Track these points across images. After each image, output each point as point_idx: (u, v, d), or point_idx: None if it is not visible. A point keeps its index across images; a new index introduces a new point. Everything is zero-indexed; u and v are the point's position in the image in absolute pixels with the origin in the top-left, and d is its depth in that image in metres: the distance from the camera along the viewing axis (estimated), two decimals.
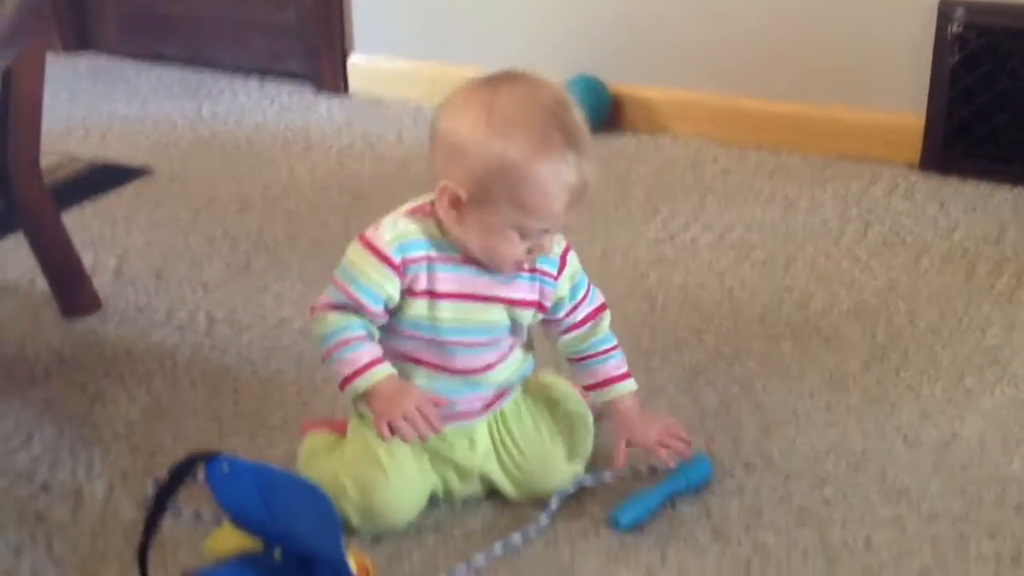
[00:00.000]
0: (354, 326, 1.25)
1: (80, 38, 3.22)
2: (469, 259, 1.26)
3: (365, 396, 1.25)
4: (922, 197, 2.21)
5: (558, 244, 1.31)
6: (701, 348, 1.71)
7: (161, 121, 2.72)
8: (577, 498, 1.37)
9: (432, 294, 1.25)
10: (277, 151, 2.52)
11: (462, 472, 1.35)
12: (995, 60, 2.20)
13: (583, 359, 1.38)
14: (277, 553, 1.21)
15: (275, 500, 1.20)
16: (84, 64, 3.15)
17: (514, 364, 1.35)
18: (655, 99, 2.55)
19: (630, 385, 1.38)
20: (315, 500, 1.21)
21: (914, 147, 2.32)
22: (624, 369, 1.38)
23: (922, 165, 2.32)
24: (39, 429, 1.53)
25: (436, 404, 1.25)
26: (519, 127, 1.16)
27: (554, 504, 1.34)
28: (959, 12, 2.20)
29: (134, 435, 1.51)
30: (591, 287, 1.37)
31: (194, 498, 1.35)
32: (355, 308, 1.25)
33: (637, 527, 1.32)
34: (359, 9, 2.82)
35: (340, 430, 1.40)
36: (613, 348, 1.38)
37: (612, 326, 1.39)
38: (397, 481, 1.29)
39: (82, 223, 2.15)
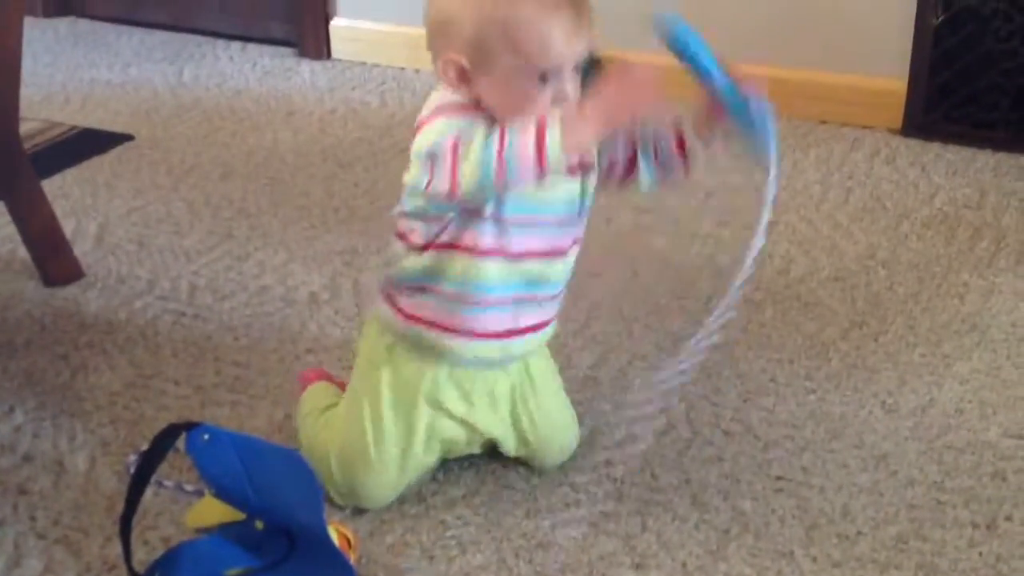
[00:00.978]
0: (493, 131, 1.15)
1: (61, 2, 3.19)
2: None
3: (576, 139, 1.15)
4: (903, 162, 2.21)
5: None
6: (681, 314, 1.72)
7: (143, 86, 2.70)
8: (555, 469, 1.38)
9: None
10: (260, 117, 2.51)
11: (472, 431, 1.33)
12: (979, 21, 2.19)
13: (656, 159, 1.31)
14: (259, 523, 1.22)
15: (257, 470, 1.21)
16: (64, 28, 3.12)
17: (570, 266, 1.31)
18: (641, 63, 2.53)
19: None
20: (297, 470, 1.22)
21: (897, 111, 2.32)
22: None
23: (904, 130, 2.32)
24: (20, 400, 1.53)
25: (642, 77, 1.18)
26: None
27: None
28: None
29: (116, 406, 1.51)
30: None
31: (176, 469, 1.36)
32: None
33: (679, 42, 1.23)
34: None
35: (341, 386, 1.41)
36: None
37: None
38: (380, 471, 1.29)
39: (63, 190, 2.14)
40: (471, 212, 1.22)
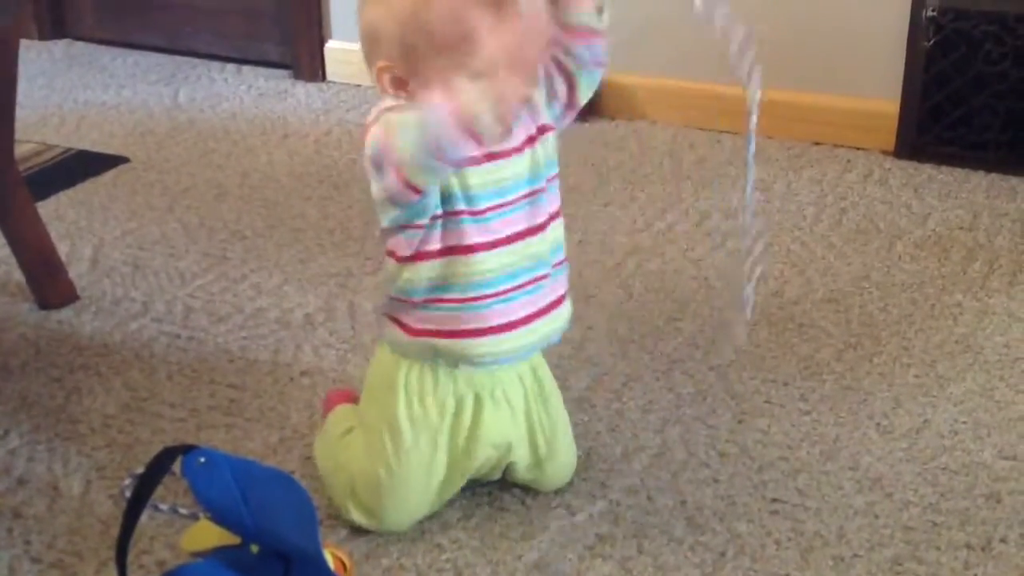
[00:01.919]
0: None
1: (56, 24, 3.19)
2: None
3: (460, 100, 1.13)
4: (896, 183, 2.22)
5: None
6: (677, 336, 1.72)
7: (138, 108, 2.70)
8: (553, 490, 1.38)
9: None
10: (254, 138, 2.51)
11: (492, 447, 1.32)
12: (970, 44, 2.21)
13: (574, 38, 1.29)
14: (254, 547, 1.21)
15: (252, 493, 1.20)
16: (60, 50, 3.13)
17: (560, 235, 1.33)
18: (632, 85, 2.55)
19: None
20: (292, 493, 1.22)
21: (889, 133, 2.33)
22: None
23: (897, 151, 2.33)
24: (15, 423, 1.53)
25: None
26: None
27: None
28: None
29: (111, 429, 1.51)
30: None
31: (171, 492, 1.36)
32: None
33: None
34: None
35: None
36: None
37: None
38: (403, 495, 1.29)
39: (58, 212, 2.15)
40: (448, 213, 1.23)
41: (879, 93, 2.34)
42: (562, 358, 1.64)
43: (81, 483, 1.41)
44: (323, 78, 2.86)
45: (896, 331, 1.72)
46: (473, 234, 1.24)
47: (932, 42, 2.23)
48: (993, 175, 2.23)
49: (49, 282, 1.83)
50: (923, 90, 2.27)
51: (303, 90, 2.80)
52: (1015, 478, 1.40)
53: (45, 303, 1.81)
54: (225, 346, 1.71)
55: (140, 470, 1.31)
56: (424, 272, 1.25)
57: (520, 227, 1.27)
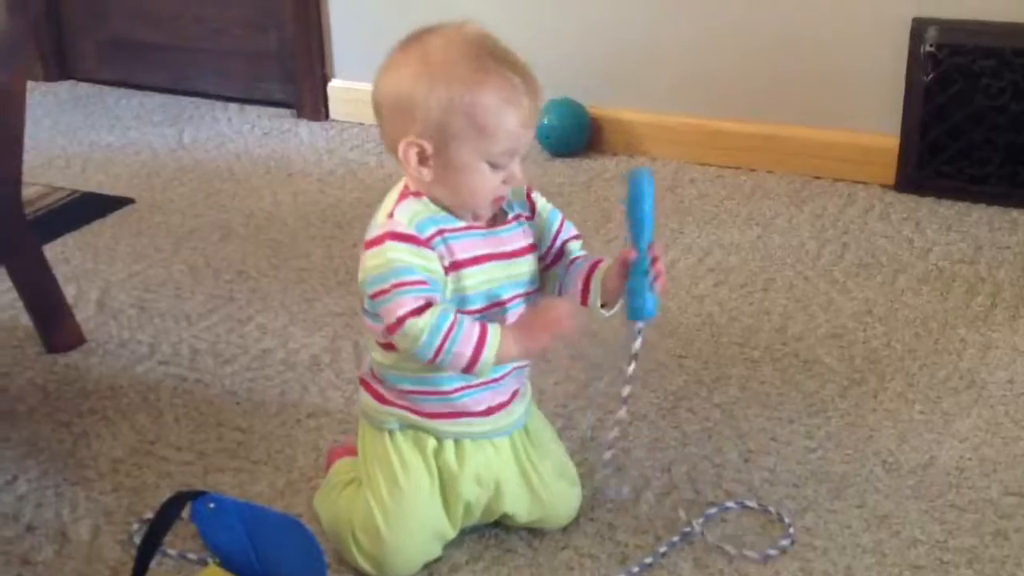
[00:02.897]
0: (444, 316, 1.21)
1: (60, 66, 3.22)
2: (471, 225, 1.27)
3: (503, 357, 1.24)
4: (898, 217, 2.23)
5: (519, 188, 1.31)
6: (682, 374, 1.73)
7: (142, 149, 2.72)
8: (559, 531, 1.38)
9: (456, 265, 1.25)
10: (259, 178, 2.53)
11: (479, 483, 1.33)
12: (968, 78, 2.22)
13: (567, 273, 1.36)
14: None
15: (261, 538, 1.21)
16: (64, 92, 3.15)
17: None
18: (633, 121, 2.57)
19: (607, 260, 1.35)
20: (300, 538, 1.22)
21: (889, 167, 2.35)
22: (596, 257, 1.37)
23: (897, 185, 2.34)
24: (23, 469, 1.53)
25: (558, 312, 1.26)
26: (456, 63, 1.21)
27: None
28: (932, 31, 2.23)
29: (118, 473, 1.52)
30: (564, 218, 1.37)
31: (179, 537, 1.36)
32: (427, 297, 1.22)
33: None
34: (339, 35, 2.83)
35: None
36: (579, 256, 1.37)
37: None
38: (402, 539, 1.30)
39: (64, 255, 2.16)
40: None
41: (879, 128, 2.36)
42: (568, 397, 1.65)
43: (89, 529, 1.41)
44: (326, 117, 2.88)
45: (900, 367, 1.73)
46: None
47: (931, 77, 2.25)
48: (994, 208, 2.25)
49: (56, 326, 1.83)
50: (923, 124, 2.28)
51: (307, 129, 2.82)
52: (1022, 515, 1.40)
53: (52, 347, 1.82)
54: (231, 388, 1.72)
55: (149, 515, 1.32)
56: (392, 359, 1.29)
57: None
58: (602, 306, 1.32)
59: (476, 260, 1.26)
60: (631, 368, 1.32)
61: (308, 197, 2.42)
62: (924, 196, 2.30)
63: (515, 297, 1.30)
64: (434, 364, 1.23)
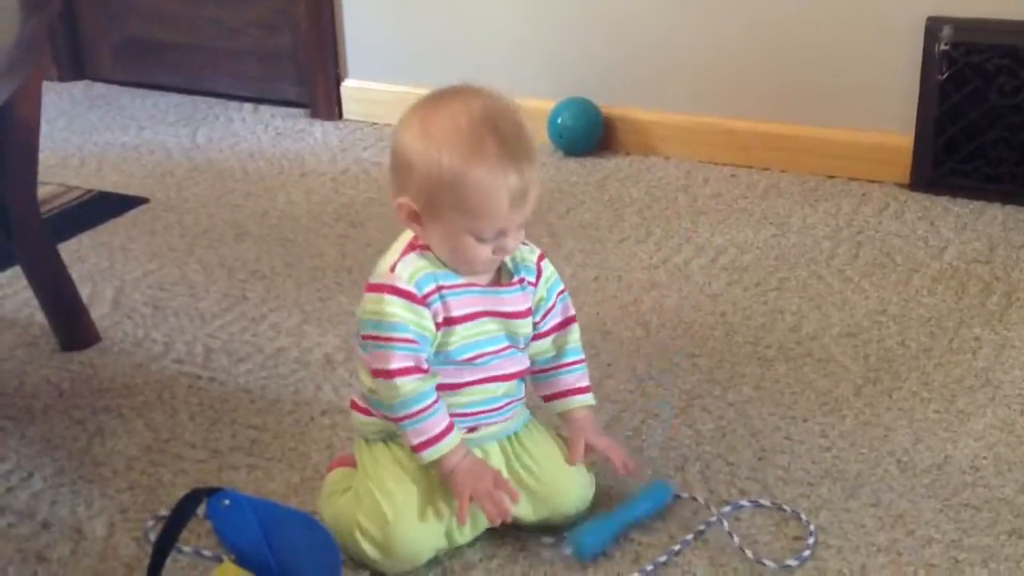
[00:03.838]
0: (427, 394, 1.27)
1: (76, 66, 3.24)
2: (472, 282, 1.30)
3: (436, 464, 1.29)
4: (912, 216, 2.23)
5: (532, 252, 1.35)
6: (695, 372, 1.73)
7: (157, 149, 2.73)
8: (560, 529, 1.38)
9: (448, 321, 1.28)
10: (272, 178, 2.54)
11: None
12: (983, 77, 2.22)
13: (548, 370, 1.40)
14: None
15: (276, 535, 1.21)
16: (79, 92, 3.16)
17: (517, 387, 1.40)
18: (646, 121, 2.56)
19: (588, 399, 1.41)
20: (316, 535, 1.23)
21: (904, 166, 2.34)
22: (586, 383, 1.41)
23: (912, 184, 2.34)
24: (39, 466, 1.54)
25: (504, 487, 1.30)
26: (453, 138, 1.22)
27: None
28: (946, 30, 2.22)
29: (133, 471, 1.52)
30: (564, 297, 1.39)
31: (193, 534, 1.37)
32: (416, 357, 1.27)
33: (600, 554, 1.33)
34: (352, 35, 2.83)
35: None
36: (579, 361, 1.40)
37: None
38: (405, 529, 1.30)
39: (79, 254, 2.17)
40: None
41: (893, 127, 2.35)
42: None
43: (105, 526, 1.41)
44: (340, 116, 2.88)
45: (915, 365, 1.72)
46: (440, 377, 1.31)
47: (945, 76, 2.24)
48: (1009, 207, 2.24)
49: (71, 324, 1.84)
50: (937, 123, 2.28)
51: (320, 129, 2.83)
52: None
53: (67, 345, 1.83)
54: (246, 386, 1.72)
55: (164, 513, 1.33)
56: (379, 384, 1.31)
57: (489, 374, 1.33)
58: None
59: (471, 316, 1.30)
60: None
61: (321, 196, 2.43)
62: (939, 195, 2.30)
63: (501, 350, 1.33)
64: (391, 420, 1.29)
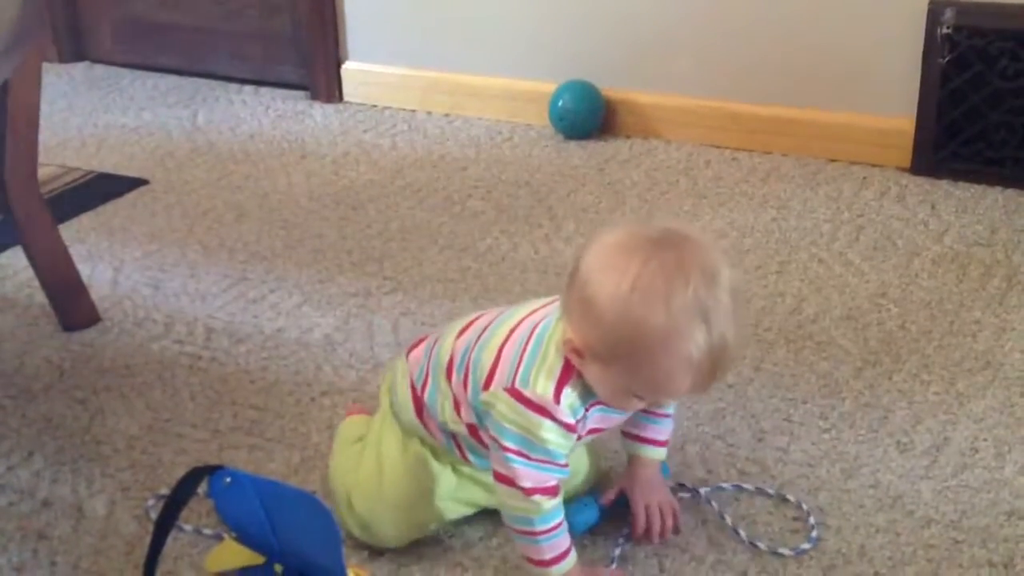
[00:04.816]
0: (558, 513, 1.24)
1: (76, 48, 3.23)
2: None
3: None
4: (913, 200, 2.23)
5: None
6: None
7: (157, 130, 2.73)
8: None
9: (588, 432, 1.27)
10: (273, 160, 2.53)
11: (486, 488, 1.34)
12: (985, 60, 2.21)
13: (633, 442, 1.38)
14: (278, 567, 1.22)
15: (277, 513, 1.21)
16: (80, 73, 3.16)
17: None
18: (648, 104, 2.56)
19: (662, 453, 1.37)
20: (316, 513, 1.23)
21: (905, 149, 2.34)
22: (665, 437, 1.36)
23: (913, 167, 2.33)
24: (40, 445, 1.54)
25: None
26: (659, 303, 1.11)
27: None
28: (948, 13, 2.22)
29: (134, 450, 1.52)
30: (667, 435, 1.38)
31: (194, 513, 1.37)
32: (560, 480, 1.24)
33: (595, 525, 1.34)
34: (353, 17, 2.82)
35: None
36: (667, 415, 1.36)
37: None
38: (394, 508, 1.31)
39: (79, 235, 2.17)
40: None
41: (895, 110, 2.35)
42: None
43: (105, 504, 1.42)
44: (340, 99, 2.88)
45: (915, 348, 1.72)
46: None
47: (947, 59, 2.24)
48: (1010, 191, 2.23)
49: (71, 304, 1.84)
50: (939, 107, 2.27)
51: (320, 111, 2.82)
52: None
53: (68, 325, 1.83)
54: (246, 367, 1.72)
55: (164, 491, 1.33)
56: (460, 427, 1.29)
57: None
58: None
59: (599, 429, 1.28)
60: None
61: (322, 178, 2.42)
62: (940, 178, 2.29)
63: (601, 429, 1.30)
64: (510, 527, 1.25)
